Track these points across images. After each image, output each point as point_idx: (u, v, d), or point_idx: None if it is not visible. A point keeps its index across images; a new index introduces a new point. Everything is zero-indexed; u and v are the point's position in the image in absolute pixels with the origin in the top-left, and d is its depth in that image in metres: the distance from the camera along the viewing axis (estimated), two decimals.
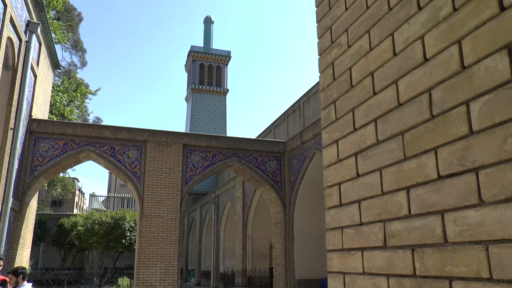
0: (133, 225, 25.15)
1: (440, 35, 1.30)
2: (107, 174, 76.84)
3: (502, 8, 1.11)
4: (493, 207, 1.06)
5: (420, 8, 1.41)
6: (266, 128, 27.07)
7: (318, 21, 2.19)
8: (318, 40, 2.15)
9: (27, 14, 11.21)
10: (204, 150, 14.34)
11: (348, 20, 1.85)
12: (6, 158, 10.30)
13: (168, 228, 13.35)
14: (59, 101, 23.35)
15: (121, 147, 13.50)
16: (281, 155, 15.05)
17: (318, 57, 2.12)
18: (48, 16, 12.83)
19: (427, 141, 1.30)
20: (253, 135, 40.45)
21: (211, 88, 51.60)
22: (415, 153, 1.35)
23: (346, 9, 1.89)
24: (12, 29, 9.93)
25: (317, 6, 2.24)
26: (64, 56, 29.72)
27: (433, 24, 1.34)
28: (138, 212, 13.59)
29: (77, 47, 30.86)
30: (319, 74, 2.08)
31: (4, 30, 9.17)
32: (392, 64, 1.50)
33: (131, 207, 51.98)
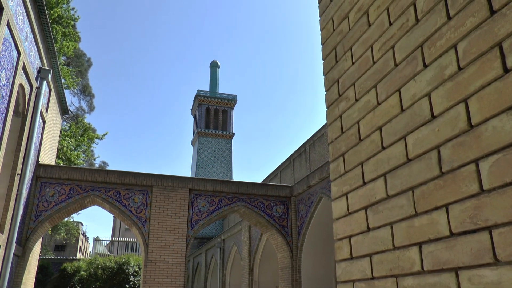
0: (137, 269, 24.78)
1: (447, 93, 1.33)
2: (112, 218, 76.46)
3: (506, 70, 1.14)
4: (509, 267, 1.06)
5: (425, 66, 1.45)
6: (272, 172, 27.06)
7: (325, 74, 2.24)
8: (325, 92, 2.19)
9: (39, 61, 11.50)
10: (210, 195, 14.30)
11: (355, 74, 1.90)
12: (12, 204, 10.28)
13: (173, 273, 13.14)
14: (66, 145, 23.55)
15: (127, 192, 13.49)
16: (287, 200, 14.96)
17: (326, 109, 2.15)
18: (58, 62, 13.15)
19: (438, 198, 1.31)
20: (259, 179, 40.33)
21: (217, 132, 51.98)
22: (426, 209, 1.35)
23: (353, 63, 1.93)
24: (24, 76, 10.17)
25: (324, 59, 2.30)
26: (73, 101, 30.16)
27: (439, 82, 1.37)
28: (143, 257, 13.42)
29: (85, 92, 31.40)
30: (328, 126, 2.11)
31: (16, 78, 9.39)
32: (400, 120, 1.53)
33: (136, 251, 51.34)
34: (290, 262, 14.45)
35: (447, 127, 1.31)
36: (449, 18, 1.36)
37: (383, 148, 1.60)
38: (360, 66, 1.86)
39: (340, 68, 2.06)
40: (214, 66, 59.89)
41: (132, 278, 24.42)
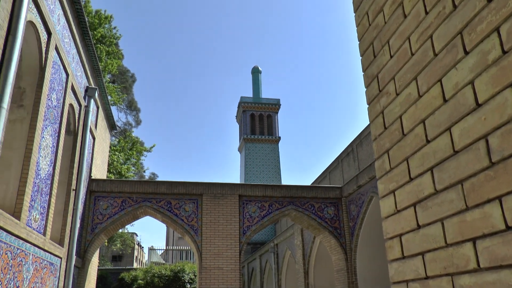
0: (192, 277, 25.15)
1: (491, 79, 1.27)
2: (165, 228, 78.13)
3: None
4: None
5: (466, 53, 1.39)
6: (321, 174, 26.81)
7: (364, 70, 2.20)
8: (365, 89, 2.14)
9: (86, 81, 11.95)
10: (260, 200, 14.33)
11: (394, 68, 1.84)
12: (69, 218, 10.75)
13: (228, 280, 13.24)
14: (116, 160, 24.31)
15: (177, 201, 13.75)
16: (338, 201, 14.77)
17: (367, 106, 2.10)
18: (104, 80, 13.62)
19: (489, 190, 1.24)
20: (309, 182, 40.07)
21: (263, 137, 52.13)
22: (478, 202, 1.28)
23: (391, 57, 1.88)
24: (73, 96, 10.60)
25: (362, 55, 2.25)
26: (120, 116, 31.10)
27: (482, 68, 1.31)
28: (197, 264, 13.60)
29: (131, 107, 32.30)
30: (370, 123, 2.06)
31: (66, 98, 9.80)
32: (443, 111, 1.47)
33: (190, 259, 52.17)
34: (345, 264, 14.23)
35: (494, 114, 1.24)
36: (489, 0, 1.30)
37: (428, 141, 1.54)
38: (399, 59, 1.81)
39: (379, 63, 2.01)
40: (255, 71, 60.20)
41: (188, 286, 24.80)
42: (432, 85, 1.54)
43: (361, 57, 2.26)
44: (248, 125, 52.91)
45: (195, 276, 24.95)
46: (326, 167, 26.22)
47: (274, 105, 54.87)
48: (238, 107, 56.34)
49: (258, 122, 53.65)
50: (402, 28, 1.79)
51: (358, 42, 2.29)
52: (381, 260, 13.90)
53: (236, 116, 59.05)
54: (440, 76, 1.50)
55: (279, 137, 53.00)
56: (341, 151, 23.39)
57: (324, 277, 19.65)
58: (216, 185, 14.15)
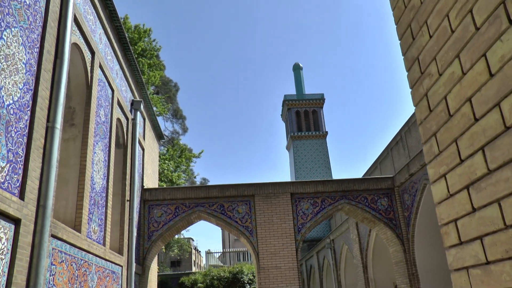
0: (251, 277, 25.35)
1: None
2: (220, 231, 79.18)
3: None
4: None
5: (511, 23, 1.31)
6: (372, 165, 26.32)
7: (404, 54, 2.14)
8: (407, 73, 2.08)
9: (131, 94, 12.29)
10: (312, 196, 14.24)
11: (435, 48, 1.78)
12: (126, 228, 11.11)
13: (287, 278, 13.24)
14: (166, 168, 24.86)
15: (229, 204, 13.89)
16: (390, 191, 14.43)
17: (410, 90, 2.04)
18: (148, 92, 13.97)
19: None
20: (360, 174, 39.49)
21: (309, 133, 51.81)
22: None
23: (430, 37, 1.82)
24: (120, 110, 10.94)
25: (400, 39, 2.19)
26: (166, 126, 31.76)
27: None
28: (255, 264, 13.68)
29: (177, 115, 32.93)
30: (415, 107, 2.00)
31: (113, 113, 10.13)
32: (490, 86, 1.40)
33: (247, 260, 52.58)
34: (404, 255, 13.87)
35: None
36: None
37: (476, 120, 1.47)
38: (439, 38, 1.74)
39: (418, 44, 1.94)
40: (297, 68, 59.90)
41: (248, 286, 25.01)
42: (476, 61, 1.47)
43: (399, 41, 2.20)
44: (294, 123, 52.72)
45: (254, 276, 25.15)
46: (376, 158, 25.73)
47: (318, 100, 54.41)
48: (283, 105, 56.27)
49: (304, 118, 53.34)
50: (440, 6, 1.72)
51: (396, 26, 2.23)
52: (440, 249, 13.46)
53: (281, 115, 59.01)
54: (484, 50, 1.43)
55: (326, 132, 52.49)
56: (390, 140, 22.88)
57: (384, 270, 19.27)
58: (267, 185, 14.18)
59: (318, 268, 30.40)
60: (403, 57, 2.15)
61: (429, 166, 1.81)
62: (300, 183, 14.43)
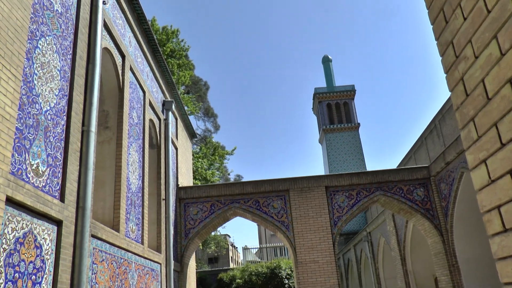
0: (289, 272, 25.35)
1: None
2: (256, 226, 79.49)
3: None
4: None
5: None
6: (406, 155, 25.88)
7: (437, 39, 2.08)
8: (441, 58, 2.02)
9: (162, 95, 12.46)
10: (347, 189, 14.10)
11: (470, 30, 1.72)
12: (163, 226, 11.32)
13: (326, 272, 13.17)
14: (200, 166, 25.12)
15: (264, 199, 13.92)
16: (426, 181, 14.13)
17: (445, 75, 1.99)
18: (179, 92, 14.12)
19: None
20: (394, 165, 38.86)
21: (342, 125, 51.32)
22: None
23: (465, 19, 1.76)
24: (151, 111, 11.11)
25: (432, 23, 2.13)
26: (198, 124, 32.07)
27: None
28: (293, 259, 13.68)
29: (208, 113, 33.21)
30: (451, 92, 1.94)
31: (146, 114, 10.30)
32: None
33: (284, 255, 52.59)
34: (443, 246, 13.56)
35: None
36: None
37: None
38: (474, 19, 1.69)
39: (452, 28, 1.89)
40: (326, 61, 59.36)
41: (286, 281, 25.02)
42: None
43: (432, 25, 2.14)
44: (325, 116, 52.33)
45: (291, 271, 25.15)
46: (410, 147, 25.27)
47: (349, 92, 53.82)
48: (313, 98, 55.93)
49: (335, 111, 52.87)
50: None
51: (427, 11, 2.18)
52: (481, 238, 13.09)
53: (312, 108, 58.66)
54: None
55: (359, 123, 51.87)
56: (424, 128, 22.41)
57: (423, 262, 18.91)
58: (302, 179, 14.13)
59: (356, 261, 30.13)
60: (436, 42, 2.09)
61: (468, 152, 1.76)
62: (334, 176, 14.32)
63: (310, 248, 13.32)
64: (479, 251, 13.18)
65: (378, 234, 23.28)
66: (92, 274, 6.39)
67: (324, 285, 13.01)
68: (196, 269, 16.89)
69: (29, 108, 4.95)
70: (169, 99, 12.84)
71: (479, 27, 1.64)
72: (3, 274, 4.20)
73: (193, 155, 23.97)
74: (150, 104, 10.92)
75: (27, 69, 4.97)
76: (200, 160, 25.96)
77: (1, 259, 4.20)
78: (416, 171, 14.32)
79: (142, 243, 9.19)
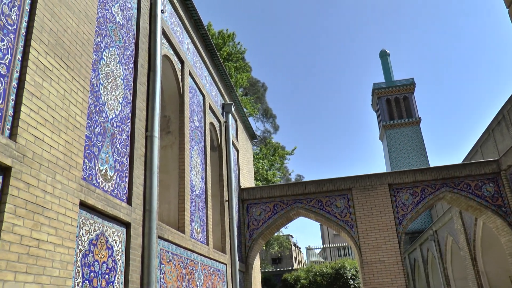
0: (354, 273, 24.96)
1: None
2: (318, 226, 78.81)
3: None
4: None
5: None
6: (472, 149, 24.74)
7: (507, 6, 2.01)
8: None
9: (221, 98, 12.71)
10: (411, 186, 13.70)
11: None
12: (227, 227, 11.54)
13: (392, 273, 12.86)
14: (261, 167, 25.32)
15: (327, 198, 13.82)
16: (496, 176, 13.41)
17: None
18: (237, 94, 14.35)
19: None
20: (459, 160, 37.33)
21: (402, 121, 49.99)
22: None
23: None
24: (212, 114, 11.37)
25: (508, 7, 2.06)
26: (258, 126, 32.35)
27: None
28: (358, 259, 13.47)
29: (267, 114, 33.42)
30: None
31: (206, 117, 10.55)
32: None
33: (348, 255, 51.88)
34: None
35: None
36: None
37: None
38: None
39: None
40: (383, 55, 58.07)
41: (352, 282, 24.65)
42: None
43: (508, 8, 2.07)
44: (385, 111, 51.17)
45: (356, 271, 24.76)
46: (475, 141, 24.11)
47: (409, 86, 52.30)
48: (372, 94, 54.88)
49: (395, 106, 51.58)
50: None
51: None
52: None
53: (371, 104, 57.56)
54: None
55: (420, 118, 50.29)
56: (491, 120, 21.33)
57: (496, 262, 17.97)
58: (364, 177, 13.90)
59: (422, 261, 29.20)
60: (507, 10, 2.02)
61: None
62: (397, 173, 13.96)
63: (375, 248, 13.07)
64: None
65: (445, 232, 22.42)
66: (160, 274, 6.64)
67: (391, 285, 12.71)
68: (260, 269, 17.08)
69: (96, 116, 5.23)
70: (228, 102, 13.08)
71: None
72: (80, 273, 4.48)
73: (253, 156, 24.22)
74: (210, 108, 11.17)
75: (94, 79, 5.26)
76: (260, 161, 26.17)
77: (78, 260, 4.48)
78: (484, 165, 13.67)
79: (207, 244, 9.42)
